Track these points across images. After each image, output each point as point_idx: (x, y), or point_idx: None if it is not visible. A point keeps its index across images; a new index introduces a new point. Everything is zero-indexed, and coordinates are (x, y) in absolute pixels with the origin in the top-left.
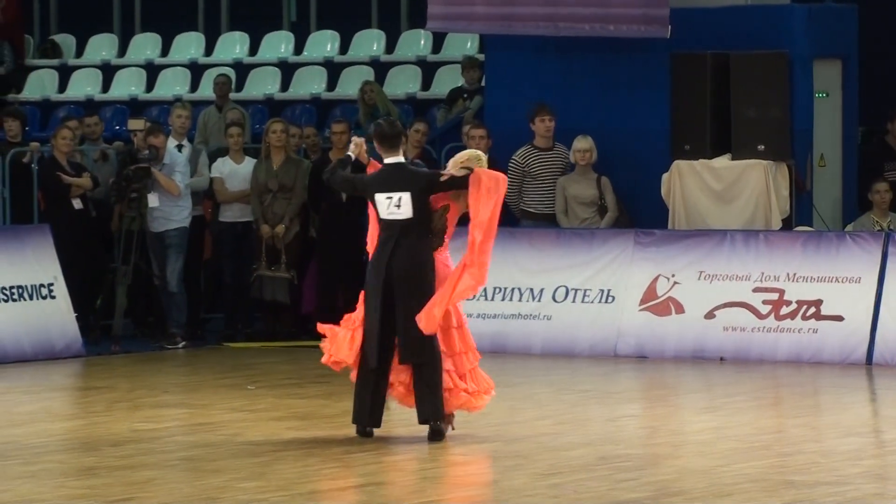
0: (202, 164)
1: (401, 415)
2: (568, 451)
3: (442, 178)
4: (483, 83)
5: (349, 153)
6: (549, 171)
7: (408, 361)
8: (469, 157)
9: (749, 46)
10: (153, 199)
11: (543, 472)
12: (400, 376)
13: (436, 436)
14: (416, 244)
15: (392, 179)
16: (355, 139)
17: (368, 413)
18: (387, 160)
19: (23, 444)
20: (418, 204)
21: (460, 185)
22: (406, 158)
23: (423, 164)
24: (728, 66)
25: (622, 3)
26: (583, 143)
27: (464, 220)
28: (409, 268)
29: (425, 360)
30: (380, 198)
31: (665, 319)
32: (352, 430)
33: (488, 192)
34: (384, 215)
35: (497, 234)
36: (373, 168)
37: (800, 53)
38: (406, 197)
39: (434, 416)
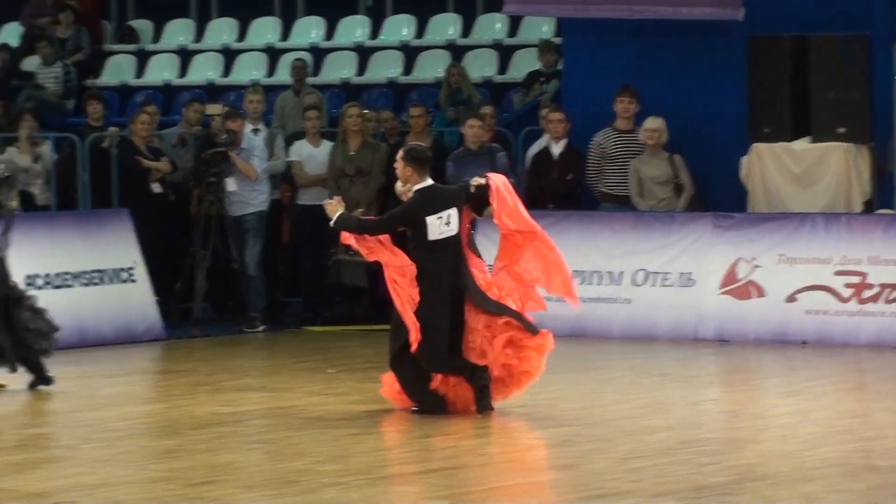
0: (279, 148)
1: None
2: (649, 435)
3: (472, 190)
4: (560, 66)
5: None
6: (629, 153)
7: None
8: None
9: (826, 28)
10: (231, 184)
11: (624, 457)
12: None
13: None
14: (466, 256)
15: (437, 201)
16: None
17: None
18: (420, 186)
19: (104, 428)
20: (460, 218)
21: (485, 191)
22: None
23: (500, 146)
24: (806, 49)
25: None
26: (652, 124)
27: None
28: (472, 278)
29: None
30: (431, 220)
31: (746, 303)
32: (433, 414)
33: (507, 191)
34: (435, 236)
35: (576, 218)
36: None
37: (880, 35)
38: (454, 213)
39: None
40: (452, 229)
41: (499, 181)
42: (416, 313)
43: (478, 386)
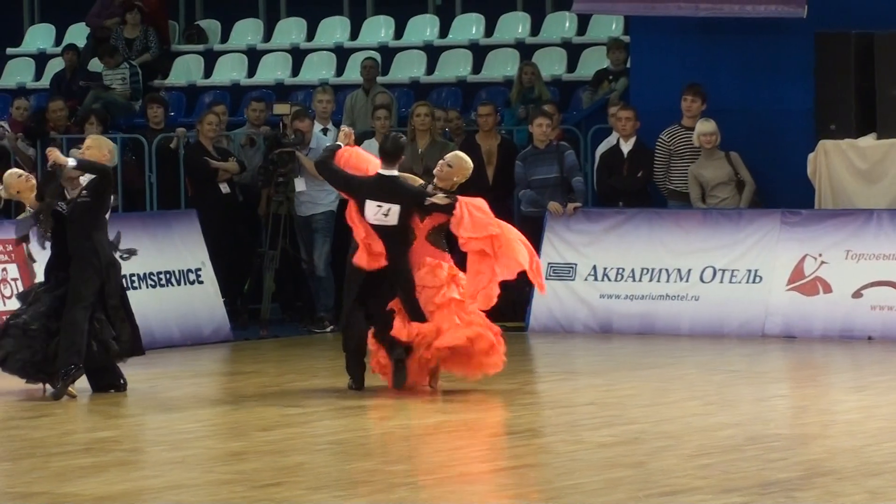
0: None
1: (551, 395)
2: (717, 432)
3: (426, 202)
4: (628, 65)
5: (339, 142)
6: (697, 150)
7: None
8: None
9: (893, 26)
10: (300, 184)
11: (693, 453)
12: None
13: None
14: (398, 248)
15: (385, 191)
16: (345, 128)
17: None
18: (382, 171)
19: (172, 430)
20: (404, 215)
21: (442, 211)
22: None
23: (568, 145)
24: (872, 46)
25: None
26: (708, 127)
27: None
28: (406, 273)
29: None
30: (370, 204)
31: (813, 299)
32: (501, 413)
33: (480, 215)
34: (370, 219)
35: (644, 216)
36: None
37: None
38: (395, 209)
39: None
40: (391, 221)
41: (473, 205)
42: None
43: (394, 359)
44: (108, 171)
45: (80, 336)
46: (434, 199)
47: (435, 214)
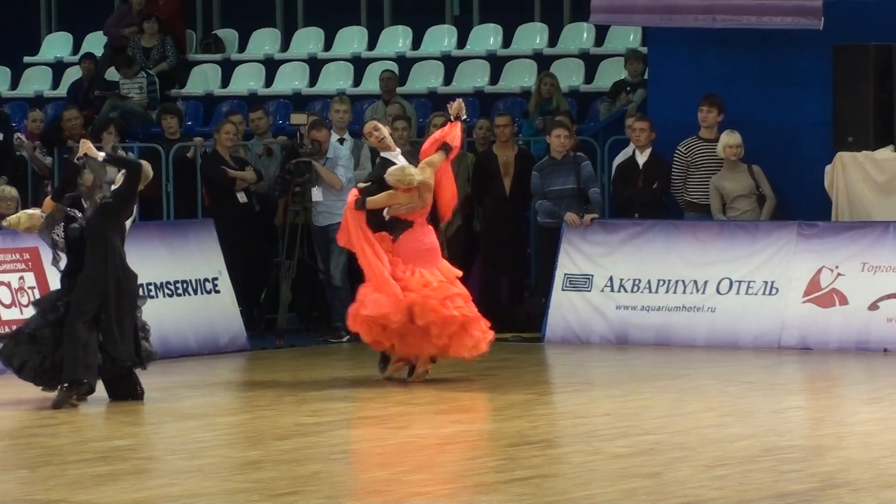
0: (364, 158)
1: (568, 406)
2: (732, 443)
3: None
4: (646, 76)
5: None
6: (713, 162)
7: None
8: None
9: None
10: (316, 194)
11: (708, 464)
12: None
13: None
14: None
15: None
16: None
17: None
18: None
19: (188, 439)
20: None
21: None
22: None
23: (585, 156)
24: (891, 58)
25: None
26: (733, 139)
27: None
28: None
29: None
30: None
31: (829, 311)
32: (517, 423)
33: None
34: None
35: (661, 227)
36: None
37: None
38: None
39: None
40: None
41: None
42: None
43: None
44: (139, 167)
45: (81, 349)
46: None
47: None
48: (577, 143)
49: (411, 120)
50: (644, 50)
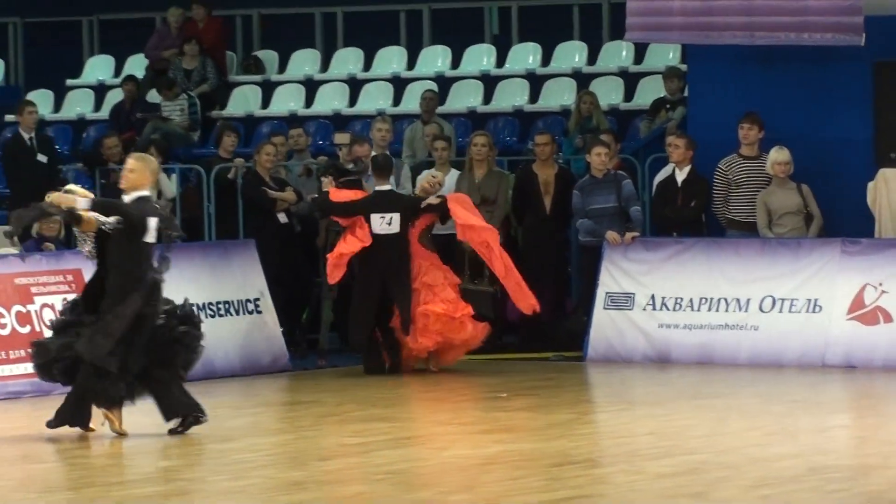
0: (405, 178)
1: (610, 425)
2: (777, 462)
3: (422, 205)
4: (686, 93)
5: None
6: (754, 179)
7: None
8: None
9: None
10: None
11: (752, 484)
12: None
13: None
14: (410, 252)
15: (384, 204)
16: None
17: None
18: (378, 188)
19: (231, 460)
20: (404, 221)
21: (436, 210)
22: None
23: (626, 174)
24: None
25: (817, 11)
26: (783, 156)
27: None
28: (406, 275)
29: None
30: (375, 217)
31: (873, 328)
32: (559, 443)
33: (467, 204)
34: (377, 230)
35: (703, 245)
36: (338, 194)
37: None
38: (397, 217)
39: None
40: (393, 229)
41: (458, 199)
42: (353, 288)
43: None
44: (130, 215)
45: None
46: (428, 201)
47: (423, 217)
48: (620, 163)
49: (451, 139)
50: (683, 67)
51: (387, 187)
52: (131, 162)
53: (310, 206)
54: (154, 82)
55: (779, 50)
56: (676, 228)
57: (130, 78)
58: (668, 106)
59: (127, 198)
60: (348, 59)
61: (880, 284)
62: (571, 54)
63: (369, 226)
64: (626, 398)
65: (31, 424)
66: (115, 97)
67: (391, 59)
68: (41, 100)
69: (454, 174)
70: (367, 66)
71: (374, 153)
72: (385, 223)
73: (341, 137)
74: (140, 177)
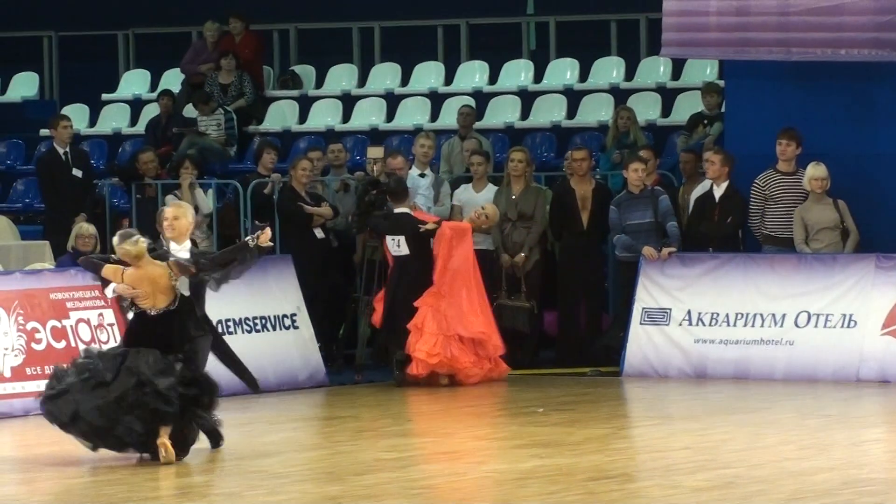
0: (444, 194)
1: (646, 440)
2: (812, 476)
3: (420, 229)
4: (723, 109)
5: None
6: (791, 195)
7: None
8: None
9: None
10: None
11: (787, 498)
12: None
13: None
14: (408, 277)
15: (395, 226)
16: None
17: None
18: (393, 210)
19: (268, 474)
20: (411, 245)
21: (433, 235)
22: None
23: (663, 190)
24: None
25: (853, 27)
26: (819, 171)
27: None
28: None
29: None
30: (388, 238)
31: None
32: (595, 457)
33: (455, 240)
34: (392, 252)
35: (739, 260)
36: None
37: None
38: (402, 240)
39: None
40: (403, 251)
41: (449, 229)
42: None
43: (396, 360)
44: (248, 251)
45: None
46: (426, 227)
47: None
48: (659, 178)
49: (489, 155)
50: (721, 83)
51: (403, 209)
52: (175, 210)
53: (347, 223)
54: (190, 97)
55: (816, 66)
56: (712, 244)
57: (166, 92)
58: (705, 122)
59: (184, 251)
60: (386, 74)
61: None
62: (609, 70)
63: (385, 246)
64: (662, 413)
65: (66, 439)
66: (150, 112)
67: (429, 74)
68: (76, 114)
69: (491, 189)
70: (405, 81)
71: (416, 170)
72: (395, 245)
73: (375, 151)
74: (187, 223)
